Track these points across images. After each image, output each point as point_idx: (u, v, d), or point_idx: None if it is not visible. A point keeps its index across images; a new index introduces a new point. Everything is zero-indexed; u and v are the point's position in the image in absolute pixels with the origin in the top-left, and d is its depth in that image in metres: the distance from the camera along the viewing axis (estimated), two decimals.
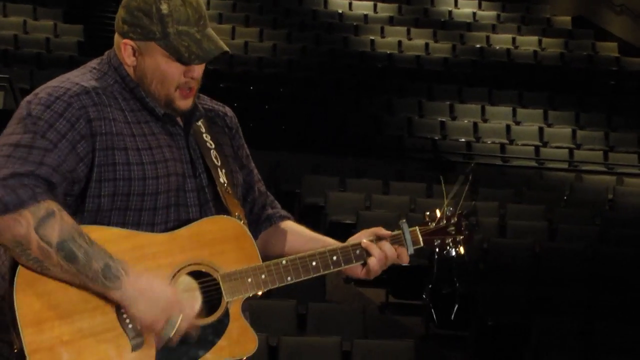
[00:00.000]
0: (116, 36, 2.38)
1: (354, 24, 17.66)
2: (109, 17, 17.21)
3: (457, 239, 2.59)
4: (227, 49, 2.38)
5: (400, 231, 2.52)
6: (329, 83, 14.78)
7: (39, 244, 2.13)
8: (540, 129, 14.36)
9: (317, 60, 15.73)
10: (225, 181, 2.45)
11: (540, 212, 11.02)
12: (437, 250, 2.59)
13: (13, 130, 2.22)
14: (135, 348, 2.22)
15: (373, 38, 17.07)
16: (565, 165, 13.50)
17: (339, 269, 2.47)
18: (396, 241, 2.50)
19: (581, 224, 10.79)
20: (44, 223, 2.13)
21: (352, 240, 2.50)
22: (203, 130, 2.48)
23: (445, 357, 8.56)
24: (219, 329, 2.33)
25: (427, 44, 17.13)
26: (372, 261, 2.47)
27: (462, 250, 2.59)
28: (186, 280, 2.30)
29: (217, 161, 2.45)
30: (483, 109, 14.77)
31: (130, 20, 2.33)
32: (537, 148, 13.84)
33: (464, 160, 13.22)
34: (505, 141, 14.00)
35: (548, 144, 14.05)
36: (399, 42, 17.03)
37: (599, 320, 8.24)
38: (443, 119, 14.34)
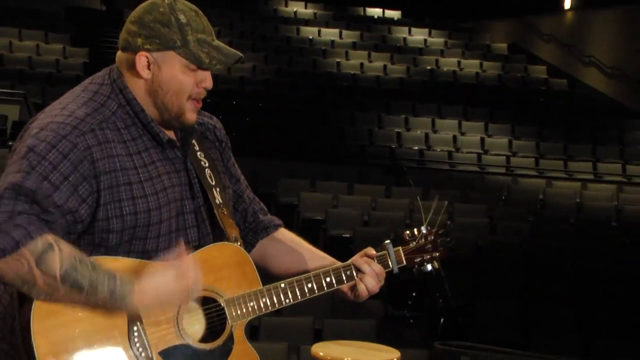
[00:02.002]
0: (123, 55, 2.18)
1: (322, 48, 17.71)
2: (111, 42, 17.17)
3: (434, 255, 2.50)
4: (241, 54, 2.22)
5: (385, 252, 2.43)
6: (301, 99, 14.77)
7: (43, 279, 1.95)
8: (482, 139, 14.41)
9: (291, 80, 15.72)
10: (221, 201, 2.29)
11: (482, 210, 11.04)
12: (415, 266, 2.49)
13: (19, 167, 2.01)
14: None
15: (339, 60, 17.10)
16: (503, 170, 13.52)
17: (332, 289, 2.36)
18: (381, 261, 2.41)
19: (517, 220, 10.83)
20: (44, 258, 1.94)
21: (345, 263, 2.40)
22: (197, 148, 2.31)
23: (402, 334, 8.53)
24: (224, 352, 2.21)
25: (385, 66, 17.20)
26: (367, 278, 2.37)
27: (437, 264, 2.50)
28: (193, 307, 2.18)
29: (212, 180, 2.30)
30: (433, 122, 14.80)
31: (147, 32, 2.12)
32: (479, 155, 13.88)
33: (417, 165, 13.24)
34: (452, 149, 14.02)
35: (488, 152, 14.10)
36: (361, 64, 17.09)
37: (533, 303, 8.28)
38: (399, 130, 14.34)
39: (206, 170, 2.29)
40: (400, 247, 2.46)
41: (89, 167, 2.05)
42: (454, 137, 14.37)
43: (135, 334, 2.08)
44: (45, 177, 2.00)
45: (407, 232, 2.50)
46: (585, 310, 8.20)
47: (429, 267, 2.49)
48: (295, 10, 20.28)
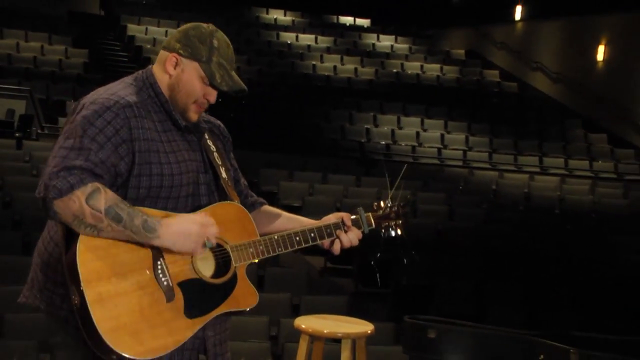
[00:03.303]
0: (163, 52, 2.44)
1: (300, 52, 17.66)
2: (108, 44, 17.09)
3: (397, 223, 2.71)
4: (245, 87, 2.46)
5: (358, 215, 2.65)
6: (280, 97, 14.74)
7: (91, 212, 2.16)
8: (442, 135, 14.47)
9: (271, 80, 15.68)
10: (226, 176, 2.52)
11: (442, 198, 11.09)
12: (382, 231, 2.71)
13: (69, 135, 2.26)
14: (169, 300, 2.26)
15: (314, 63, 17.07)
16: (460, 163, 13.57)
17: (315, 243, 2.58)
18: (355, 223, 2.64)
19: (472, 207, 10.89)
20: (92, 197, 2.17)
21: (325, 221, 2.62)
22: (207, 137, 2.53)
23: (370, 309, 8.55)
24: (229, 286, 2.39)
25: (355, 69, 17.19)
26: (343, 236, 2.60)
27: (399, 231, 2.70)
28: (205, 250, 2.37)
29: (219, 161, 2.52)
30: (399, 119, 14.84)
31: (185, 41, 2.39)
32: (439, 150, 13.93)
33: (384, 158, 13.24)
34: (416, 144, 14.07)
35: (447, 146, 14.15)
36: (334, 67, 17.08)
37: (487, 280, 8.32)
38: (368, 126, 14.36)
39: (214, 153, 2.52)
40: (370, 213, 2.69)
41: (127, 132, 2.28)
42: (417, 133, 14.40)
43: (159, 266, 2.27)
44: (93, 138, 2.23)
45: (375, 203, 2.74)
46: (533, 286, 8.26)
47: (393, 233, 2.70)
48: (275, 17, 20.21)
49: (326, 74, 16.63)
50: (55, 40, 15.61)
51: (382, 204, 2.72)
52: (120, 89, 2.36)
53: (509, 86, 17.75)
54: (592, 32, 16.51)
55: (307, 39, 18.65)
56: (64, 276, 2.21)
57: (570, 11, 16.82)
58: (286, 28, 19.28)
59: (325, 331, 3.68)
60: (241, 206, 2.49)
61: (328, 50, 18.12)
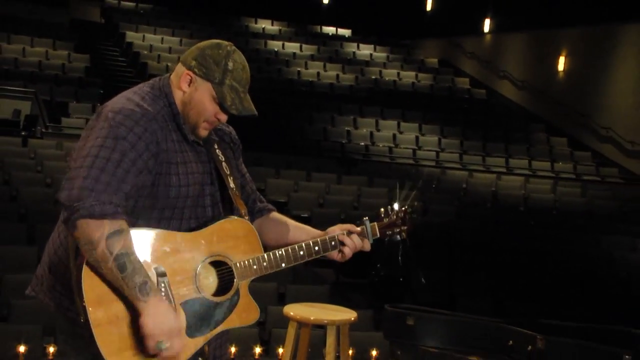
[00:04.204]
0: (180, 66, 2.29)
1: (286, 59, 17.60)
2: (108, 50, 16.97)
3: (402, 229, 2.55)
4: (256, 112, 2.31)
5: (364, 226, 2.49)
6: (267, 101, 14.64)
7: (103, 250, 2.03)
8: (417, 137, 14.47)
9: (259, 85, 15.57)
10: (233, 186, 2.38)
11: (417, 196, 11.08)
12: (387, 238, 2.55)
13: (103, 143, 2.11)
14: None
15: (299, 70, 17.02)
16: (433, 163, 13.56)
17: (319, 256, 2.44)
18: (361, 235, 2.48)
19: (444, 204, 10.90)
20: (113, 236, 2.04)
21: (330, 232, 2.47)
22: (216, 147, 2.40)
23: (350, 298, 8.56)
24: (232, 304, 2.28)
25: (337, 75, 17.16)
26: (346, 249, 2.45)
27: (404, 235, 2.56)
28: (208, 269, 2.26)
29: (227, 171, 2.38)
30: (377, 122, 14.81)
31: (201, 60, 2.25)
32: (414, 151, 13.93)
33: (363, 158, 13.26)
34: (392, 145, 14.05)
35: (422, 148, 14.15)
36: (318, 73, 17.03)
37: (457, 272, 8.35)
38: (349, 129, 14.33)
39: (223, 163, 2.38)
40: (375, 223, 2.52)
41: (155, 146, 2.17)
42: (394, 135, 14.39)
43: (163, 287, 2.14)
44: (126, 154, 2.10)
45: (382, 209, 2.55)
46: (499, 277, 8.29)
47: (398, 237, 2.55)
48: (263, 27, 20.15)
49: (310, 79, 16.59)
50: (59, 46, 15.47)
51: (389, 209, 2.57)
52: (140, 99, 2.22)
53: (478, 93, 17.79)
54: (554, 45, 16.59)
55: (292, 47, 18.60)
56: (72, 282, 2.13)
57: (534, 25, 16.90)
58: (273, 37, 19.23)
59: (312, 318, 3.67)
60: (248, 222, 2.35)
61: (312, 57, 18.08)
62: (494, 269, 8.52)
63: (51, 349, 4.69)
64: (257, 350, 5.12)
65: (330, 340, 3.61)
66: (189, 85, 2.25)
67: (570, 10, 15.60)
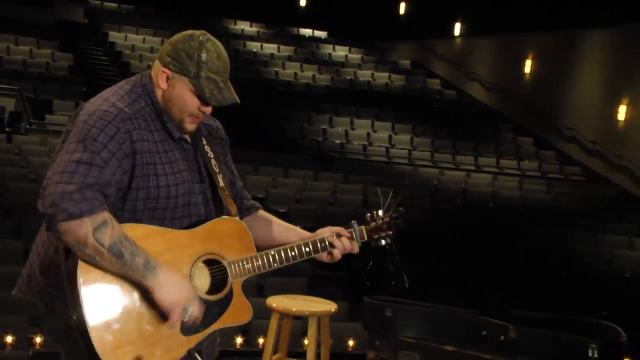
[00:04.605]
0: (157, 63, 2.18)
1: (264, 59, 17.55)
2: (91, 49, 16.82)
3: (388, 233, 2.53)
4: (238, 100, 2.20)
5: (352, 229, 2.45)
6: (246, 100, 14.42)
7: (94, 245, 1.96)
8: (390, 136, 14.50)
9: (238, 84, 14.97)
10: (223, 185, 2.29)
11: (390, 192, 11.10)
12: (373, 242, 2.51)
13: (75, 148, 2.02)
14: (165, 319, 2.08)
15: (277, 70, 16.98)
16: (406, 161, 13.62)
17: (310, 257, 2.38)
18: (350, 237, 2.44)
19: (417, 200, 10.94)
20: (100, 230, 1.97)
21: (319, 234, 2.42)
22: (205, 143, 2.30)
23: (326, 290, 8.56)
24: (225, 303, 2.20)
25: (314, 75, 17.13)
26: (336, 251, 2.40)
27: (390, 240, 2.53)
28: (201, 267, 2.19)
29: (216, 168, 2.29)
30: (352, 121, 14.82)
31: (174, 55, 2.14)
32: (387, 149, 13.95)
33: (338, 156, 13.27)
34: (367, 143, 14.08)
35: (395, 146, 14.18)
36: (295, 73, 17.00)
37: (429, 264, 8.38)
38: (325, 127, 14.34)
39: (212, 160, 2.29)
40: (363, 226, 2.48)
41: (129, 145, 2.07)
42: (368, 133, 14.42)
43: None
44: (98, 154, 2.01)
45: (368, 214, 2.52)
46: (469, 269, 8.36)
47: (383, 242, 2.51)
48: (242, 28, 20.09)
49: (287, 79, 16.56)
50: (43, 45, 15.31)
51: (375, 214, 2.53)
52: (118, 99, 2.12)
53: (449, 94, 17.86)
54: (521, 49, 16.71)
55: (270, 48, 18.55)
56: (64, 283, 2.04)
57: (502, 30, 17.00)
58: (252, 38, 19.16)
59: (294, 309, 3.67)
60: (241, 222, 2.27)
61: (289, 58, 18.05)
62: (464, 262, 8.58)
63: (38, 339, 4.64)
64: (239, 340, 5.10)
65: (312, 331, 3.61)
66: (166, 82, 2.15)
67: (537, 16, 15.73)
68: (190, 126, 2.19)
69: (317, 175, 11.45)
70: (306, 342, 5.61)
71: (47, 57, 14.74)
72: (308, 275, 8.39)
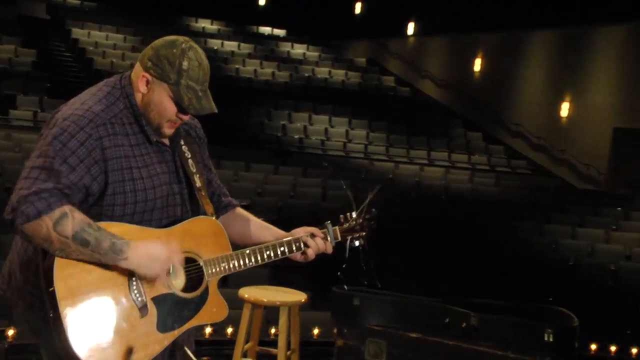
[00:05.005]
0: (138, 66, 2.13)
1: (225, 57, 17.44)
2: (54, 45, 16.48)
3: (361, 235, 2.52)
4: (216, 110, 2.16)
5: (326, 230, 2.43)
6: None
7: (58, 238, 1.93)
8: (347, 131, 14.53)
9: None
10: (200, 185, 2.25)
11: (348, 185, 11.14)
12: (347, 242, 2.50)
13: (41, 152, 2.00)
14: (142, 316, 2.07)
15: (237, 67, 16.88)
16: (362, 155, 13.65)
17: (285, 256, 2.36)
18: (324, 237, 2.42)
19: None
20: (60, 223, 1.93)
21: (294, 234, 2.39)
22: (182, 143, 2.25)
23: (288, 279, 8.55)
24: (201, 300, 2.17)
25: (273, 72, 17.08)
26: (310, 251, 2.38)
27: (362, 241, 2.52)
28: (177, 266, 2.13)
29: (194, 168, 2.25)
30: (310, 117, 14.82)
31: (155, 61, 2.09)
32: (344, 144, 13.99)
33: (297, 151, 13.26)
34: (324, 138, 14.08)
35: (352, 141, 14.22)
36: (255, 70, 16.92)
37: (386, 254, 8.42)
38: (284, 123, 14.31)
39: (189, 160, 2.25)
40: (337, 227, 2.47)
41: (100, 153, 2.02)
42: (326, 129, 14.43)
43: (134, 283, 2.06)
44: (65, 160, 1.98)
45: (342, 215, 2.50)
46: (424, 259, 8.43)
47: (357, 242, 2.51)
48: (203, 26, 19.92)
49: (248, 76, 16.48)
50: (6, 40, 14.91)
51: (348, 215, 2.50)
52: (95, 102, 2.07)
53: (403, 90, 17.98)
54: (471, 47, 16.91)
55: (231, 45, 18.44)
56: (42, 282, 2.01)
57: (453, 29, 17.19)
58: (213, 35, 19.01)
59: (265, 300, 3.68)
60: (216, 221, 2.24)
61: (249, 55, 17.97)
62: (419, 251, 8.65)
63: (10, 332, 4.56)
64: (208, 330, 5.10)
65: (283, 320, 3.62)
66: (146, 86, 2.09)
67: (486, 17, 15.94)
68: (168, 130, 2.15)
69: (277, 169, 11.42)
70: (273, 330, 5.65)
71: (10, 53, 14.38)
72: (270, 265, 8.39)
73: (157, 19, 18.88)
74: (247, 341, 3.73)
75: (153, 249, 2.02)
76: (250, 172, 11.10)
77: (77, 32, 16.68)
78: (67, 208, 1.95)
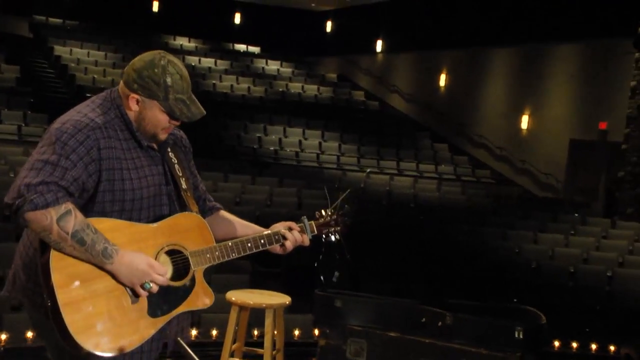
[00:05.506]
0: (123, 87, 2.23)
1: (202, 73, 17.39)
2: (37, 62, 16.32)
3: (336, 229, 2.59)
4: (204, 112, 2.28)
5: (302, 224, 2.51)
6: None
7: (58, 232, 2.02)
8: (320, 143, 14.57)
9: None
10: (186, 187, 2.35)
11: (321, 195, 10.95)
12: (323, 236, 2.57)
13: (45, 150, 2.09)
14: (134, 302, 2.15)
15: (214, 82, 16.86)
16: (335, 166, 13.70)
17: (265, 248, 2.43)
18: (301, 231, 2.51)
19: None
20: (63, 218, 2.03)
21: (273, 228, 2.47)
22: (169, 150, 2.36)
23: (266, 285, 8.53)
24: (188, 288, 2.25)
25: (249, 87, 17.07)
26: (288, 243, 2.46)
27: (338, 236, 2.59)
28: (163, 257, 2.23)
29: (180, 172, 2.35)
30: (284, 130, 14.83)
31: (141, 82, 2.19)
32: (318, 155, 14.03)
33: (273, 162, 13.27)
34: (299, 150, 14.12)
35: (325, 152, 14.26)
36: (231, 86, 16.90)
37: (359, 257, 8.40)
38: (260, 135, 14.31)
39: (176, 165, 2.34)
40: (312, 221, 2.55)
41: (96, 152, 2.12)
42: (300, 141, 14.45)
43: None
44: (67, 157, 2.08)
45: (317, 212, 2.58)
46: (394, 264, 8.47)
47: (332, 237, 2.57)
48: (181, 43, 19.84)
49: (224, 91, 16.46)
50: None
51: (323, 212, 2.58)
52: (90, 111, 2.18)
53: (372, 104, 18.07)
54: (436, 64, 17.09)
55: (208, 62, 18.41)
56: (37, 275, 2.09)
57: (420, 47, 17.37)
58: (190, 52, 18.95)
59: (251, 302, 3.70)
60: (200, 217, 2.33)
61: (226, 72, 17.94)
62: (389, 256, 8.69)
63: (2, 337, 4.51)
64: (194, 332, 5.09)
65: (269, 321, 3.64)
66: (137, 104, 2.20)
67: (450, 35, 16.14)
68: (163, 136, 2.27)
69: (254, 180, 11.39)
70: (256, 332, 5.66)
71: None
72: (249, 271, 8.38)
73: (136, 36, 18.79)
74: (234, 342, 3.74)
75: (137, 261, 2.12)
76: (229, 183, 11.08)
77: (59, 50, 16.54)
78: (71, 206, 2.05)
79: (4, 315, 5.21)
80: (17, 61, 15.17)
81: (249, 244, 2.38)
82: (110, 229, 2.11)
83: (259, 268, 8.71)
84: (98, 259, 2.06)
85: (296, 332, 5.66)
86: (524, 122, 14.37)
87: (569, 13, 13.38)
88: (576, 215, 11.51)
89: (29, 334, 4.81)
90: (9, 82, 13.85)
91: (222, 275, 7.26)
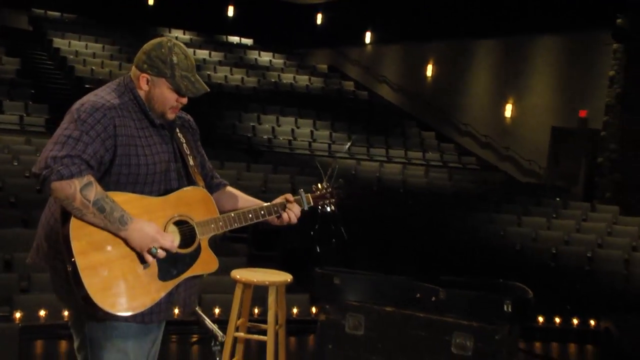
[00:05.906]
0: (135, 70, 2.36)
1: (197, 64, 17.01)
2: (37, 54, 16.24)
3: (331, 201, 2.70)
4: (208, 89, 2.39)
5: (299, 196, 2.62)
6: None
7: (81, 200, 2.14)
8: (311, 132, 14.59)
9: None
10: (193, 164, 2.45)
11: (314, 181, 11.09)
12: (319, 207, 2.67)
13: (67, 127, 2.22)
14: (145, 267, 2.26)
15: (209, 73, 16.81)
16: (326, 154, 13.73)
17: (265, 219, 2.53)
18: (297, 202, 2.60)
19: (334, 188, 10.99)
20: (86, 188, 2.15)
21: (273, 201, 2.57)
22: (178, 131, 2.47)
23: (265, 267, 8.55)
24: (194, 255, 2.34)
25: (242, 78, 17.06)
26: (284, 214, 2.55)
27: (333, 207, 2.69)
28: (172, 227, 2.32)
29: (188, 151, 2.46)
30: (277, 119, 14.85)
31: (150, 62, 2.33)
32: (309, 143, 14.06)
33: (267, 150, 13.29)
34: (291, 138, 14.14)
35: (316, 140, 14.29)
36: (225, 77, 16.87)
37: (350, 242, 8.48)
38: (253, 124, 14.32)
39: (184, 144, 2.46)
40: (309, 194, 2.66)
41: (112, 129, 2.24)
42: (292, 130, 14.47)
43: None
44: (87, 132, 2.20)
45: (314, 185, 2.69)
46: (384, 246, 8.55)
47: (328, 209, 2.67)
48: (176, 36, 19.73)
49: (219, 82, 16.42)
50: None
51: (319, 186, 2.67)
52: (106, 94, 2.30)
53: (362, 94, 18.11)
54: (423, 55, 17.12)
55: (202, 53, 18.35)
56: (62, 244, 2.18)
57: (407, 38, 17.39)
58: (185, 44, 18.55)
59: (255, 280, 3.76)
60: (205, 190, 2.42)
61: (220, 63, 17.90)
62: (379, 239, 8.76)
63: (17, 315, 4.57)
64: (198, 309, 5.14)
65: (272, 298, 3.71)
66: (147, 84, 2.32)
67: (436, 27, 16.17)
68: (171, 115, 2.38)
69: (249, 167, 11.44)
70: (256, 310, 5.72)
71: None
72: (246, 255, 8.43)
73: (133, 29, 18.70)
74: (238, 317, 3.81)
75: (147, 228, 2.23)
76: (225, 170, 11.08)
77: (58, 42, 16.45)
78: (92, 178, 2.17)
79: (14, 297, 5.27)
80: (18, 54, 15.09)
81: (250, 215, 2.48)
82: (124, 201, 2.21)
83: (255, 251, 8.76)
84: (115, 225, 2.17)
85: (294, 310, 5.73)
86: (508, 110, 14.46)
87: (550, 6, 13.44)
88: (558, 199, 11.63)
89: (42, 313, 4.88)
90: (10, 74, 13.79)
91: (220, 259, 7.23)
